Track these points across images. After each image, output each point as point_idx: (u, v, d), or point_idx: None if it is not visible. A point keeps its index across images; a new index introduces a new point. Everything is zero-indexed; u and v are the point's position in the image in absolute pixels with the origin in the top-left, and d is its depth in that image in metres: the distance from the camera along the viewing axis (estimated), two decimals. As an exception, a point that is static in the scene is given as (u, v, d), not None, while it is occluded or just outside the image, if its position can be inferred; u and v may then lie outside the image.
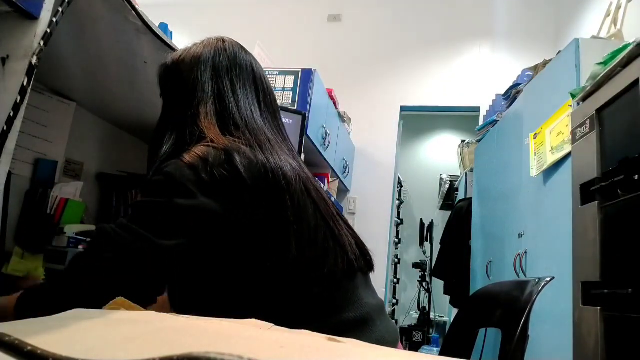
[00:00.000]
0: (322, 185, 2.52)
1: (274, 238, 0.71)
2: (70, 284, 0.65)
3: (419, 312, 5.13)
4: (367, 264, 0.84)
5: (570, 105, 1.82)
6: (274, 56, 2.77)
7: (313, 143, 2.59)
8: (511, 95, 2.82)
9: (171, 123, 0.85)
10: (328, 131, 2.85)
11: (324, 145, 2.82)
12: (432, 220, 5.42)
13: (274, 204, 0.72)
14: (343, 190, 3.74)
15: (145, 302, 0.68)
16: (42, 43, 0.61)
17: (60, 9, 0.64)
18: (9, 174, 0.63)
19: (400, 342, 0.85)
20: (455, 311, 3.51)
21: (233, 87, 0.85)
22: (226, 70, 0.86)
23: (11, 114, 0.57)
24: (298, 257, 0.71)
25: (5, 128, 0.56)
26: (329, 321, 0.71)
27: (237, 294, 0.72)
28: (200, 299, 0.76)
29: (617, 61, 1.40)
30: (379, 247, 3.60)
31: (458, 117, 5.06)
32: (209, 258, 0.71)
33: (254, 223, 0.70)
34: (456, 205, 3.71)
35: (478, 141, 3.38)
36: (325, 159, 2.92)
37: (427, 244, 5.30)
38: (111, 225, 0.67)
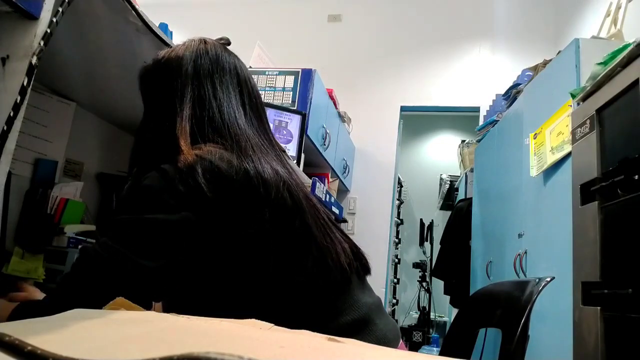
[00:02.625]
0: (323, 184, 2.52)
1: (254, 247, 0.69)
2: (55, 306, 0.62)
3: (419, 312, 5.13)
4: (364, 268, 0.82)
5: (570, 105, 1.82)
6: (274, 56, 2.77)
7: (313, 143, 2.59)
8: (511, 95, 2.82)
9: (149, 129, 0.83)
10: (328, 131, 2.85)
11: (324, 145, 2.82)
12: (432, 220, 5.42)
13: (251, 210, 0.69)
14: (343, 190, 3.74)
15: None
16: (42, 43, 0.61)
17: (60, 9, 0.64)
18: (9, 174, 0.64)
19: (402, 340, 0.84)
20: (455, 311, 3.51)
21: (214, 91, 0.82)
22: (208, 73, 0.83)
23: (11, 114, 0.57)
24: (282, 266, 0.69)
25: (5, 128, 0.56)
26: (327, 326, 0.70)
27: (227, 305, 0.70)
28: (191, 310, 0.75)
29: (617, 61, 1.40)
30: (379, 247, 3.60)
31: (458, 117, 5.06)
32: (193, 271, 0.69)
33: (230, 233, 0.68)
34: (456, 205, 3.71)
35: (478, 141, 3.38)
36: (325, 159, 2.92)
37: (427, 244, 5.30)
38: (94, 247, 0.65)
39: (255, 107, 0.88)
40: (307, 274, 0.71)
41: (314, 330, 0.67)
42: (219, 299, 0.71)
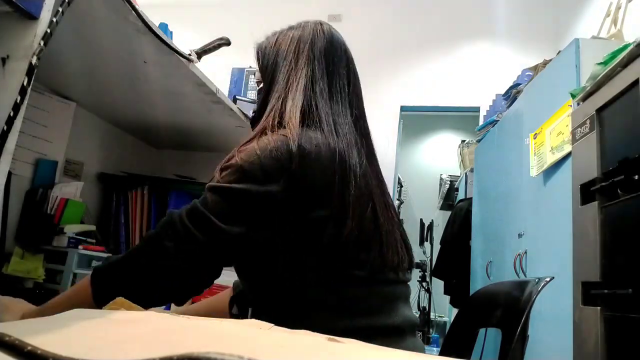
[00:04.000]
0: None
1: (331, 221, 0.72)
2: (136, 261, 0.69)
3: (419, 312, 5.13)
4: (410, 264, 0.85)
5: (570, 105, 1.82)
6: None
7: (313, 143, 2.58)
8: (511, 95, 2.82)
9: (266, 101, 0.86)
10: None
11: (324, 145, 2.81)
12: (432, 220, 5.42)
13: (332, 191, 0.72)
14: (343, 190, 3.73)
15: (200, 287, 0.73)
16: (42, 43, 0.61)
17: (60, 9, 0.64)
18: (9, 174, 0.63)
19: None
20: (455, 311, 3.51)
21: (327, 73, 0.85)
22: (324, 54, 0.86)
23: (11, 114, 0.57)
24: (345, 246, 0.72)
25: (5, 128, 0.56)
26: (364, 322, 0.71)
27: (286, 282, 0.74)
28: (257, 288, 0.80)
29: (617, 61, 1.40)
30: (379, 247, 3.59)
31: (458, 117, 5.06)
32: (267, 244, 0.73)
33: (308, 213, 0.71)
34: (456, 205, 3.71)
35: (478, 141, 3.38)
36: (325, 159, 2.91)
37: (427, 244, 5.30)
38: (181, 212, 0.70)
39: (356, 89, 0.91)
40: (367, 267, 0.74)
41: (347, 320, 0.71)
42: (283, 276, 0.74)
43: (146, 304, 0.64)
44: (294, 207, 0.71)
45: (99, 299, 0.67)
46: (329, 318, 0.71)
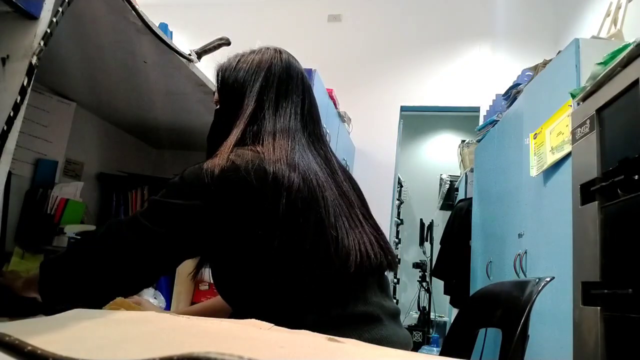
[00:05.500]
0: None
1: (263, 238, 0.75)
2: (76, 263, 0.74)
3: (419, 312, 5.13)
4: (389, 264, 0.86)
5: (570, 105, 1.82)
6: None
7: (313, 143, 2.58)
8: (511, 95, 2.82)
9: (219, 126, 0.91)
10: (328, 131, 2.84)
11: (324, 145, 2.82)
12: (432, 220, 5.42)
13: (265, 208, 0.75)
14: (343, 190, 3.73)
15: (139, 286, 0.78)
16: (42, 43, 0.61)
17: (60, 9, 0.64)
18: (9, 174, 0.63)
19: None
20: (455, 311, 3.52)
21: (279, 98, 0.89)
22: (279, 81, 0.90)
23: (11, 114, 0.57)
24: (292, 258, 0.75)
25: (5, 128, 0.56)
26: (332, 313, 0.74)
27: (248, 286, 0.79)
28: (227, 289, 0.84)
29: (617, 61, 1.40)
30: (379, 247, 3.59)
31: (458, 117, 5.06)
32: (221, 253, 0.80)
33: (239, 228, 0.76)
34: (456, 205, 3.71)
35: (478, 141, 3.38)
36: (325, 159, 2.92)
37: (427, 244, 5.30)
38: (119, 219, 0.78)
39: (312, 116, 0.95)
40: (318, 266, 0.76)
41: (316, 314, 0.73)
42: (247, 281, 0.79)
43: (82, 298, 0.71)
44: (223, 221, 0.75)
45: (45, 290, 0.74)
46: (296, 315, 0.74)
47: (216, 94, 0.95)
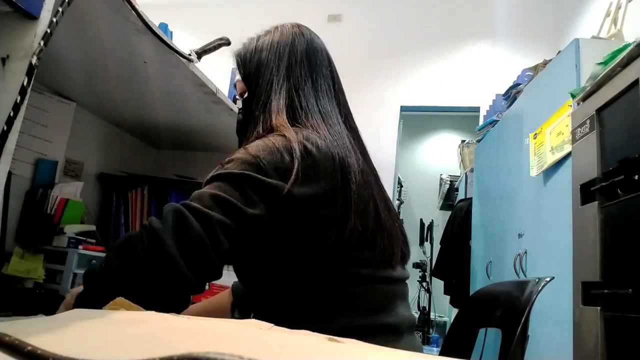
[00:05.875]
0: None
1: (333, 221, 0.72)
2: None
3: (419, 312, 5.13)
4: (403, 257, 0.86)
5: (570, 105, 1.82)
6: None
7: (313, 143, 2.58)
8: (511, 95, 2.81)
9: (251, 110, 0.86)
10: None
11: (324, 145, 2.81)
12: (432, 220, 5.42)
13: (337, 192, 0.72)
14: (343, 190, 3.73)
15: (212, 273, 0.66)
16: (42, 43, 0.61)
17: (60, 9, 0.64)
18: (9, 174, 0.63)
19: None
20: (455, 311, 3.51)
21: (311, 74, 0.85)
22: (305, 56, 0.86)
23: (11, 114, 0.57)
24: (348, 244, 0.72)
25: (5, 128, 0.56)
26: (361, 321, 0.72)
27: (287, 282, 0.74)
28: (259, 290, 0.79)
29: (617, 61, 1.40)
30: (379, 247, 3.59)
31: (458, 117, 5.06)
32: (273, 237, 0.72)
33: (313, 210, 0.71)
34: (456, 205, 3.71)
35: (478, 141, 3.38)
36: (325, 159, 2.91)
37: (427, 244, 5.30)
38: (175, 207, 0.64)
39: (340, 87, 0.92)
40: (370, 265, 0.74)
41: (348, 319, 0.70)
42: (284, 276, 0.74)
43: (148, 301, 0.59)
44: (296, 207, 0.70)
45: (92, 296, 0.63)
46: (329, 317, 0.71)
47: (238, 83, 0.91)
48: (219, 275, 0.67)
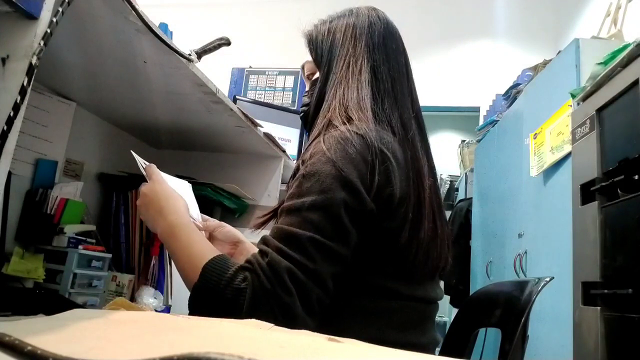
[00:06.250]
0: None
1: (406, 223, 0.69)
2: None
3: (419, 312, 5.12)
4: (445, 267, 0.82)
5: (570, 105, 1.82)
6: (274, 56, 2.77)
7: (313, 143, 2.58)
8: (511, 95, 2.82)
9: (323, 92, 0.82)
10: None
11: (324, 145, 2.81)
12: (432, 220, 5.41)
13: (414, 199, 0.70)
14: (343, 190, 3.72)
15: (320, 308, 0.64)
16: (42, 43, 0.61)
17: (60, 9, 0.64)
18: (9, 174, 0.63)
19: None
20: (455, 311, 3.51)
21: (388, 59, 0.81)
22: (382, 41, 0.82)
23: (11, 114, 0.57)
24: (407, 249, 0.70)
25: (5, 128, 0.56)
26: (392, 335, 0.69)
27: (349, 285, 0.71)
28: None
29: (617, 61, 1.40)
30: (379, 247, 3.58)
31: (458, 117, 5.06)
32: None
33: (386, 212, 0.68)
34: (456, 205, 3.71)
35: (478, 141, 3.38)
36: (325, 159, 2.91)
37: (427, 244, 5.29)
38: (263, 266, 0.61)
39: (411, 75, 0.87)
40: (415, 276, 0.72)
41: (394, 337, 0.67)
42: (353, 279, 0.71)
43: None
44: (374, 215, 0.67)
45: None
46: (362, 326, 0.68)
47: (307, 64, 0.88)
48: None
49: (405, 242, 0.69)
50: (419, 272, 0.73)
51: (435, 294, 0.79)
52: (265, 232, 0.71)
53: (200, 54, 1.10)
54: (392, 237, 0.69)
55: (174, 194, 0.80)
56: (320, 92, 0.83)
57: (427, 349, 0.75)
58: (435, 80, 4.07)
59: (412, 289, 0.73)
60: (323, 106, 0.79)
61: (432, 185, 0.74)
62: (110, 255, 1.21)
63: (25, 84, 0.58)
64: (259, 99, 2.43)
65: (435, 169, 0.84)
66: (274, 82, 2.49)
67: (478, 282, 2.94)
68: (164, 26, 1.22)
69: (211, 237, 0.93)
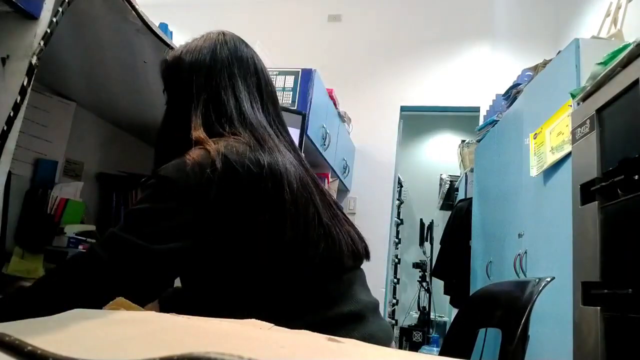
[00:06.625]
0: (323, 184, 2.51)
1: (270, 227, 0.72)
2: (49, 302, 0.63)
3: (419, 312, 5.13)
4: (366, 254, 0.86)
5: (570, 105, 1.82)
6: (274, 56, 2.77)
7: (313, 143, 2.58)
8: (511, 95, 2.81)
9: (171, 122, 0.86)
10: (328, 131, 2.84)
11: (324, 145, 2.82)
12: (432, 220, 5.42)
13: (263, 201, 0.72)
14: (343, 190, 3.73)
15: (144, 303, 0.68)
16: (42, 43, 0.61)
17: (60, 9, 0.64)
18: (9, 174, 0.64)
19: (394, 342, 0.86)
20: (455, 311, 3.51)
21: (233, 81, 0.84)
22: (227, 64, 0.85)
23: (11, 114, 0.57)
24: (291, 247, 0.73)
25: (5, 128, 0.56)
26: (324, 314, 0.72)
27: (236, 287, 0.74)
28: (204, 295, 0.78)
29: (617, 61, 1.40)
30: (379, 247, 3.59)
31: (458, 117, 5.06)
32: (206, 255, 0.72)
33: (247, 217, 0.71)
34: (456, 205, 3.71)
35: (478, 141, 3.38)
36: (325, 159, 2.92)
37: (427, 244, 5.29)
38: (98, 243, 0.67)
39: (270, 95, 0.91)
40: (313, 264, 0.74)
41: (310, 315, 0.71)
42: (228, 284, 0.74)
43: None
44: (226, 217, 0.70)
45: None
46: (287, 317, 0.70)
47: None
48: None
49: (275, 238, 0.72)
50: (320, 259, 0.75)
51: (349, 264, 0.80)
52: None
53: (200, 54, 1.10)
54: (266, 232, 0.72)
55: None
56: (167, 117, 0.87)
57: (362, 314, 0.76)
58: (435, 80, 4.07)
59: (322, 270, 0.75)
60: (166, 139, 0.84)
61: (300, 187, 0.76)
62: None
63: (25, 84, 0.59)
64: (259, 99, 2.42)
65: (313, 176, 0.85)
66: (273, 82, 2.49)
67: (478, 282, 2.94)
68: (164, 26, 1.22)
69: None
